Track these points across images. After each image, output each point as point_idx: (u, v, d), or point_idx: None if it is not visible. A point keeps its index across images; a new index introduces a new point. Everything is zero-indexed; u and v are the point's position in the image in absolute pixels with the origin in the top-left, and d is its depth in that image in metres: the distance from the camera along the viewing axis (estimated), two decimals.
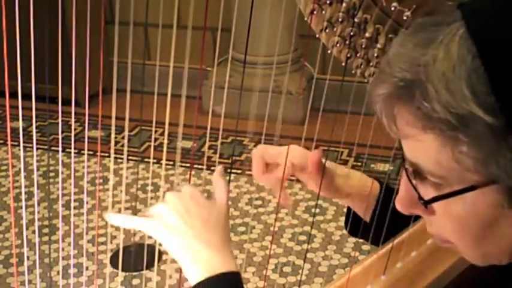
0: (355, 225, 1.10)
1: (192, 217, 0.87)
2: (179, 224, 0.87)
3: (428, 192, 0.67)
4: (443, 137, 0.61)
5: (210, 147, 3.30)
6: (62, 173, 3.06)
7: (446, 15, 0.63)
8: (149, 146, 3.35)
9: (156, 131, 3.33)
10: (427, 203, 0.67)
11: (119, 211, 2.67)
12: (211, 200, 0.91)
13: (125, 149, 2.67)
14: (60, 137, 2.46)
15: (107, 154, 3.29)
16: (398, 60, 0.63)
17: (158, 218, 0.88)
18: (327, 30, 0.87)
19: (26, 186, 2.82)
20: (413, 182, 0.68)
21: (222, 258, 0.86)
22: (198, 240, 0.86)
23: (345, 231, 2.52)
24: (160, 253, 2.61)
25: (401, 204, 0.71)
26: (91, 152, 3.24)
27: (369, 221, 1.08)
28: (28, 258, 2.39)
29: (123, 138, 3.27)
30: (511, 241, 0.66)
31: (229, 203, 0.93)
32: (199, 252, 0.86)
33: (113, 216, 0.92)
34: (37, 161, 3.15)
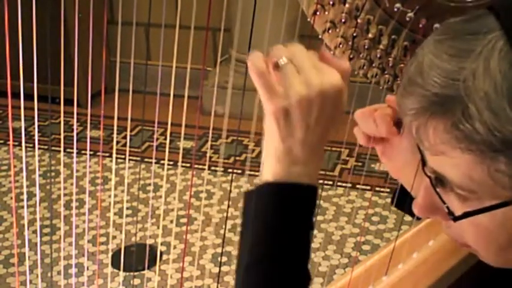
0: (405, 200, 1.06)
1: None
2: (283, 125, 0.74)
3: (451, 201, 0.65)
4: (481, 157, 0.59)
5: (210, 147, 3.30)
6: (63, 173, 3.06)
7: (479, 20, 0.60)
8: (150, 146, 3.35)
9: (157, 131, 3.32)
10: (457, 219, 0.64)
11: (120, 211, 2.67)
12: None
13: (127, 149, 2.67)
14: (61, 136, 2.45)
15: (107, 154, 3.29)
16: (432, 72, 0.59)
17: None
18: (330, 31, 0.88)
19: (26, 186, 2.82)
20: (437, 190, 0.65)
21: (307, 168, 0.75)
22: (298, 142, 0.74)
23: (345, 231, 2.53)
24: (161, 253, 2.61)
25: (420, 209, 0.69)
26: (92, 152, 3.24)
27: None
28: (29, 258, 2.39)
29: (123, 138, 3.27)
30: None
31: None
32: (289, 151, 0.74)
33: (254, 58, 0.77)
34: (38, 161, 3.14)
